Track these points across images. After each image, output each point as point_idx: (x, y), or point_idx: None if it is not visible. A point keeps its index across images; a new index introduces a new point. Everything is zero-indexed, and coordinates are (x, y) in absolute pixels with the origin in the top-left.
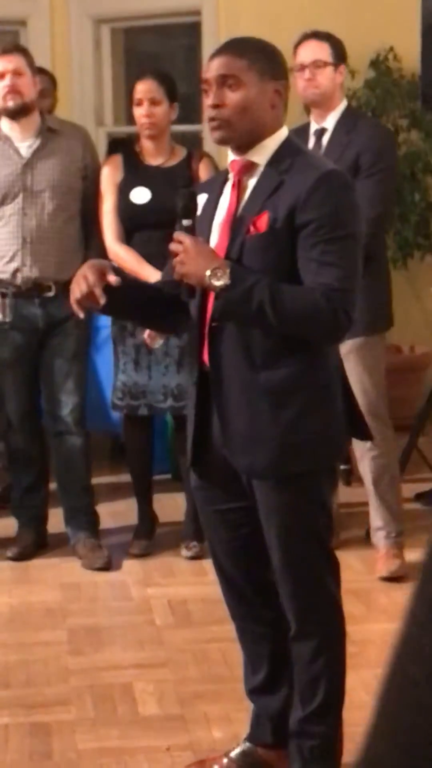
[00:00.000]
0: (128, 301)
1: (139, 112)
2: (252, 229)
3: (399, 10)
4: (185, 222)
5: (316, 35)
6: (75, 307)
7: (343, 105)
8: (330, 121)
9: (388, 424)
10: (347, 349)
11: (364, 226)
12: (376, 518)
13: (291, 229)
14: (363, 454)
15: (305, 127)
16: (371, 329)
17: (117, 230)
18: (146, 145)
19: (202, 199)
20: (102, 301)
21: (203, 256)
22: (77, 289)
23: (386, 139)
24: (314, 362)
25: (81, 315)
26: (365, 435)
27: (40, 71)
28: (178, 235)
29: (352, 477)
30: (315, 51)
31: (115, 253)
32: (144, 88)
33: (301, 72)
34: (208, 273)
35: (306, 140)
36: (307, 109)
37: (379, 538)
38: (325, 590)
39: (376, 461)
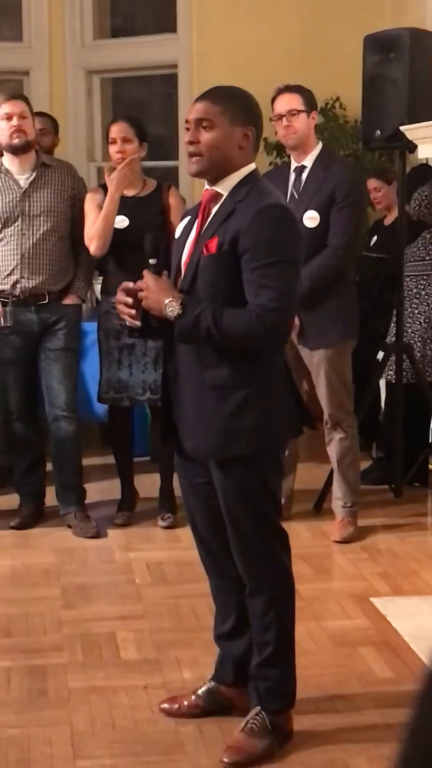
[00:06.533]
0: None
1: (113, 149)
2: (205, 250)
3: (344, 66)
4: (152, 261)
5: (288, 88)
6: (130, 321)
7: (319, 146)
8: (309, 160)
9: (351, 414)
10: (321, 356)
11: (302, 251)
12: (337, 490)
13: (235, 253)
14: (332, 437)
15: (287, 165)
16: (342, 339)
17: None
18: None
19: (185, 221)
20: (138, 322)
21: (161, 291)
22: (123, 309)
23: (357, 177)
24: (254, 364)
25: (131, 323)
26: (312, 425)
27: (42, 114)
28: (144, 273)
29: None
30: (289, 102)
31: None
32: (117, 129)
33: (279, 121)
34: (164, 305)
35: (287, 176)
36: (279, 148)
37: (337, 506)
38: (271, 555)
39: (341, 443)
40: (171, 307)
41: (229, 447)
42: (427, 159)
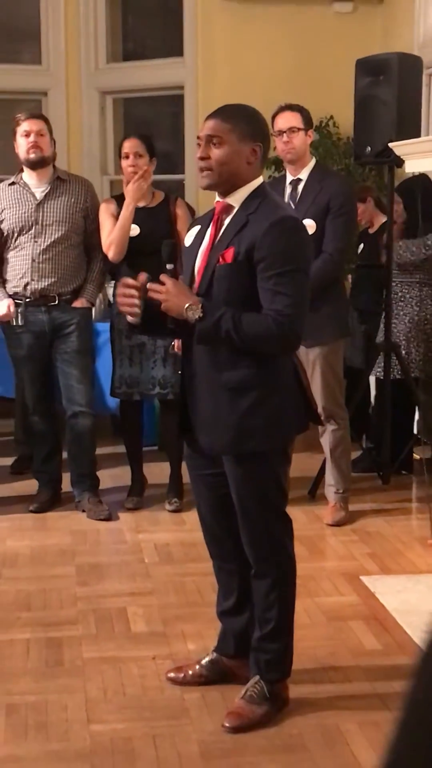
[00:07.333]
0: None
1: (126, 164)
2: (221, 259)
3: (338, 87)
4: (168, 266)
5: (290, 107)
6: (130, 316)
7: (313, 161)
8: (304, 174)
9: (343, 407)
10: (317, 353)
11: (312, 260)
12: (330, 477)
13: (250, 263)
14: (325, 428)
15: (282, 178)
16: (335, 337)
17: None
18: None
19: (195, 229)
20: (138, 310)
21: (181, 294)
22: (123, 301)
23: (350, 190)
24: (266, 366)
25: (131, 319)
26: (318, 421)
27: None
28: (163, 277)
29: None
30: (290, 119)
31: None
32: (130, 144)
33: (280, 137)
34: (185, 308)
35: (283, 188)
36: (277, 163)
37: (330, 492)
38: (277, 541)
39: (334, 434)
40: (192, 310)
41: (243, 443)
42: (413, 173)
